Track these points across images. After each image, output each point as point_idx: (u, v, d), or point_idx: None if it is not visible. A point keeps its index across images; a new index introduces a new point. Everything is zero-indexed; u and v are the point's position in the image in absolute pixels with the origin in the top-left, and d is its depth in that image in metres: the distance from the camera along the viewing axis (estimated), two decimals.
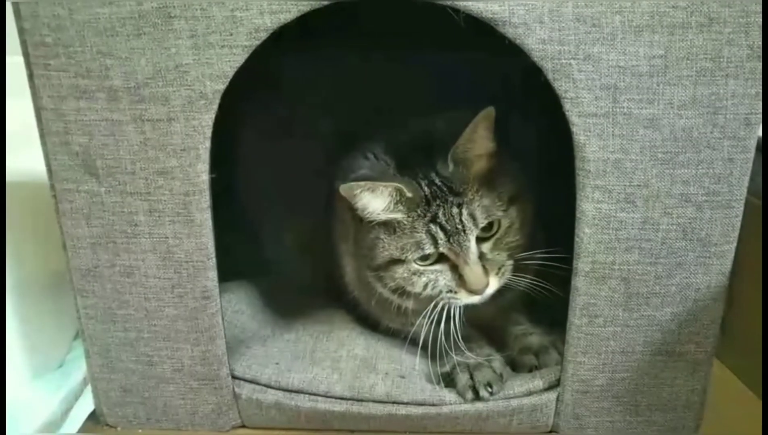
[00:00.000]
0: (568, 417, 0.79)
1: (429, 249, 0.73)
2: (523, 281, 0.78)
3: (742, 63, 0.64)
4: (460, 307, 0.77)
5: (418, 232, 0.73)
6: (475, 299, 0.76)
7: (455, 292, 0.75)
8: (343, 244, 0.85)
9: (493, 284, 0.75)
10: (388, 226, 0.74)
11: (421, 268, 0.75)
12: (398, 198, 0.73)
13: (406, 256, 0.74)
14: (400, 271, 0.75)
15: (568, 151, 0.69)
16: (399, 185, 0.72)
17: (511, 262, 0.76)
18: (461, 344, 0.78)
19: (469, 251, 0.73)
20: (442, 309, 0.76)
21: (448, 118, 0.78)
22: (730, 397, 0.87)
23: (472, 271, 0.73)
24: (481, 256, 0.74)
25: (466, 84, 0.91)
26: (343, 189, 0.72)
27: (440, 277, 0.75)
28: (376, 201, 0.73)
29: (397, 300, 0.80)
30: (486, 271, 0.74)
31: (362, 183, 0.72)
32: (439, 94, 0.89)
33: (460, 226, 0.73)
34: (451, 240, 0.73)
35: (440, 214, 0.73)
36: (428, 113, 0.81)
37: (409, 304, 0.80)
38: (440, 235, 0.73)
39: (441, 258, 0.74)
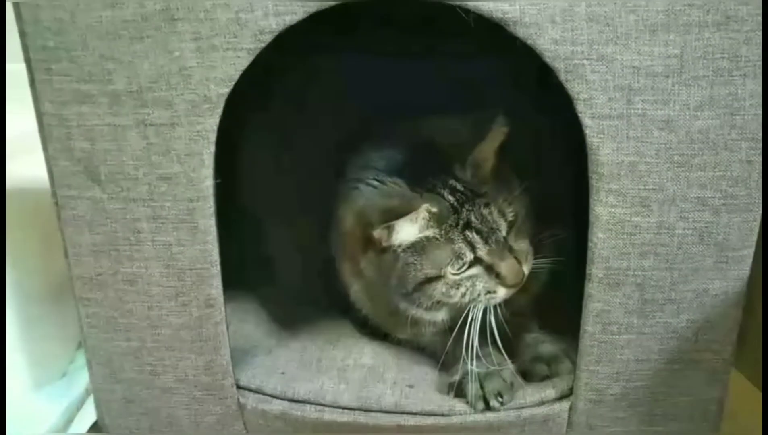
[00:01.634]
0: (582, 427, 0.78)
1: (468, 256, 0.73)
2: (545, 261, 0.78)
3: (760, 62, 0.63)
4: (496, 306, 0.76)
5: (454, 243, 0.73)
6: (512, 292, 0.76)
7: (494, 292, 0.75)
8: (346, 265, 0.84)
9: (526, 271, 0.76)
10: (417, 247, 0.74)
11: (458, 277, 0.74)
12: (429, 216, 0.72)
13: (445, 271, 0.73)
14: (438, 288, 0.74)
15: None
16: (427, 205, 0.71)
17: (531, 247, 0.77)
18: (498, 344, 0.77)
19: (503, 247, 0.73)
20: (477, 311, 0.76)
21: (443, 121, 0.78)
22: (749, 407, 0.85)
23: (508, 265, 0.74)
24: (510, 249, 0.74)
25: (472, 85, 0.90)
26: (378, 233, 0.72)
27: (477, 281, 0.75)
28: (410, 230, 0.72)
29: (431, 316, 0.79)
30: (518, 262, 0.74)
31: (403, 219, 0.71)
32: (445, 96, 0.88)
33: (494, 226, 0.73)
34: (488, 241, 0.73)
35: (472, 218, 0.73)
36: (422, 118, 0.80)
37: (442, 315, 0.79)
38: (476, 239, 0.73)
39: (474, 261, 0.74)
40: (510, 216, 0.74)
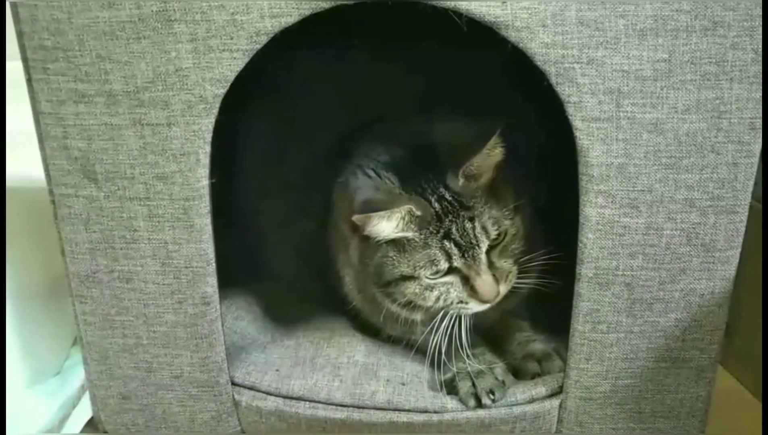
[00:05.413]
0: (572, 424, 0.79)
1: (443, 265, 0.73)
2: (527, 283, 0.78)
3: (746, 67, 0.64)
4: (468, 316, 0.77)
5: (431, 249, 0.73)
6: (485, 307, 0.76)
7: (466, 303, 0.75)
8: (341, 255, 0.84)
9: (503, 291, 0.75)
10: (397, 243, 0.74)
11: (432, 282, 0.74)
12: (409, 218, 0.72)
13: (419, 273, 0.74)
14: (411, 287, 0.75)
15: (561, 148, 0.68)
16: (410, 206, 0.72)
17: (516, 267, 0.76)
18: (467, 351, 0.77)
19: (481, 263, 0.73)
20: (451, 318, 0.76)
21: (447, 126, 0.78)
22: (735, 404, 0.86)
23: (484, 281, 0.73)
24: (491, 266, 0.74)
25: (464, 87, 0.90)
26: (358, 219, 0.72)
27: (451, 289, 0.75)
28: (388, 225, 0.72)
29: (406, 313, 0.80)
30: (496, 280, 0.74)
31: (378, 213, 0.71)
32: (438, 97, 0.89)
33: (474, 241, 0.73)
34: (465, 254, 0.73)
35: (453, 229, 0.72)
36: (426, 120, 0.80)
37: (418, 316, 0.80)
38: (454, 250, 0.73)
39: (451, 270, 0.74)
40: (493, 233, 0.73)
